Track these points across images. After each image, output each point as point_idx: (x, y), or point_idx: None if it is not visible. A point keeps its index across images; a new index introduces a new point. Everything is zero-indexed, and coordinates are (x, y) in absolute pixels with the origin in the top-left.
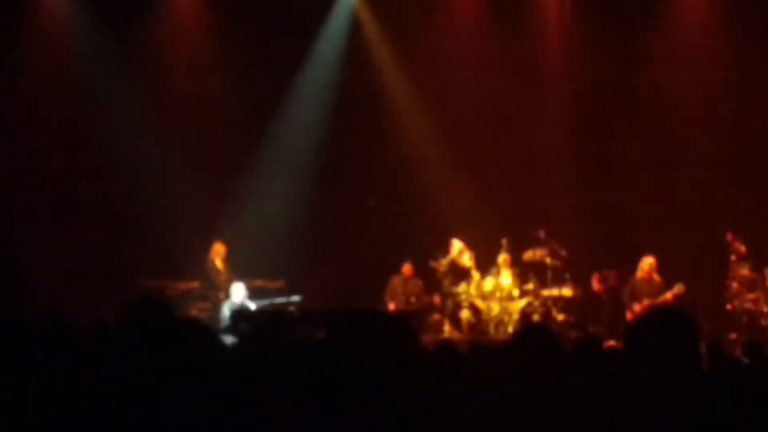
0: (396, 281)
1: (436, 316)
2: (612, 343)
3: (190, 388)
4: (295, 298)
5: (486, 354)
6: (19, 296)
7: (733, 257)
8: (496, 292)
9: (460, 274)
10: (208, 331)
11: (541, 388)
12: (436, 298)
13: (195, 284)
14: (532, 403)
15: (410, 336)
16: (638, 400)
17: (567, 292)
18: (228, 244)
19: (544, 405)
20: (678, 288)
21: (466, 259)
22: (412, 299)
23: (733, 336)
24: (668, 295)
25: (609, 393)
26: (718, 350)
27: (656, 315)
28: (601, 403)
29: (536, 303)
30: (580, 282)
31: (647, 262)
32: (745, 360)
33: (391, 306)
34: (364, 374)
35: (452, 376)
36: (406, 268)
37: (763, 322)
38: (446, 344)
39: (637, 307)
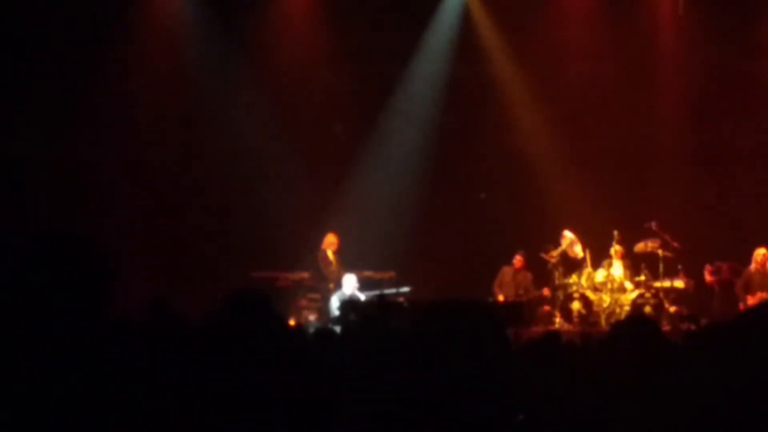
0: (506, 271)
1: (547, 308)
2: None
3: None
4: (405, 289)
5: (595, 345)
6: (115, 289)
7: None
8: (608, 284)
9: (571, 265)
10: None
11: (643, 380)
12: (546, 291)
13: (305, 275)
14: (634, 395)
15: (493, 326)
16: (744, 391)
17: (679, 283)
18: (340, 235)
19: (645, 397)
20: None
21: (578, 251)
22: (521, 291)
23: None
24: None
25: (718, 385)
26: None
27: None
28: (709, 396)
29: (648, 295)
30: (693, 274)
31: (760, 254)
32: None
33: (500, 297)
34: (443, 364)
35: (557, 367)
36: (518, 260)
37: None
38: (552, 335)
39: (751, 300)
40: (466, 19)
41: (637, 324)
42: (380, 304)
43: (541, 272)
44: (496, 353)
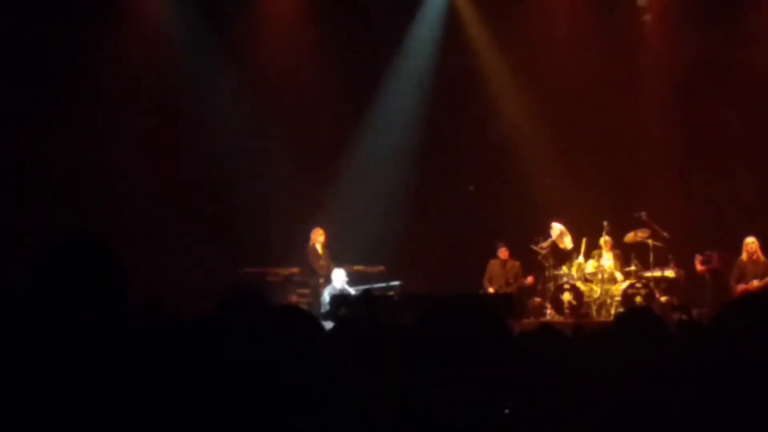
0: (494, 264)
1: (538, 300)
2: None
3: (287, 376)
4: (395, 283)
5: (589, 336)
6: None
7: None
8: (598, 274)
9: (561, 256)
10: (308, 316)
11: (644, 370)
12: (531, 279)
13: (295, 270)
14: (635, 385)
15: (495, 319)
16: (743, 383)
17: (669, 273)
18: (328, 230)
19: (647, 387)
20: None
21: (567, 242)
22: (511, 280)
23: None
24: None
25: (713, 375)
26: None
27: (757, 296)
28: (704, 386)
29: (638, 285)
30: (683, 263)
31: (750, 243)
32: None
33: (491, 290)
34: (449, 358)
35: (555, 358)
36: (503, 252)
37: None
38: (547, 326)
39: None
40: (451, 10)
41: (640, 315)
42: (367, 298)
43: (530, 263)
44: (499, 346)
